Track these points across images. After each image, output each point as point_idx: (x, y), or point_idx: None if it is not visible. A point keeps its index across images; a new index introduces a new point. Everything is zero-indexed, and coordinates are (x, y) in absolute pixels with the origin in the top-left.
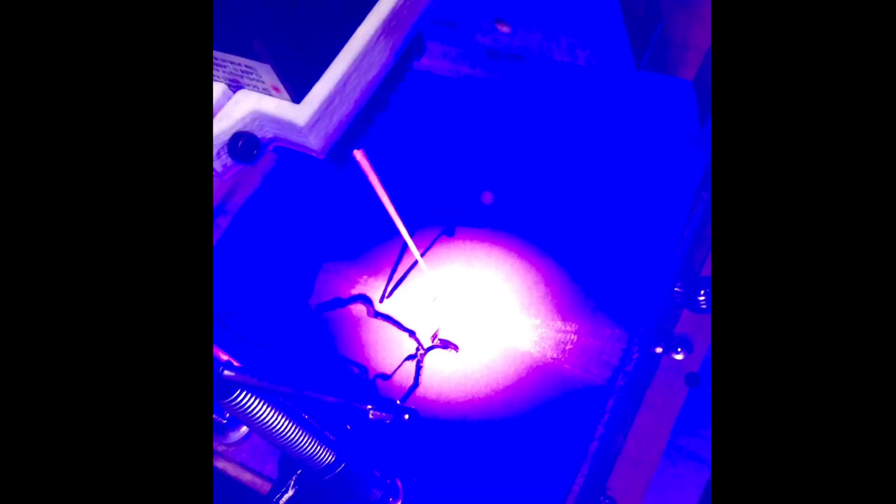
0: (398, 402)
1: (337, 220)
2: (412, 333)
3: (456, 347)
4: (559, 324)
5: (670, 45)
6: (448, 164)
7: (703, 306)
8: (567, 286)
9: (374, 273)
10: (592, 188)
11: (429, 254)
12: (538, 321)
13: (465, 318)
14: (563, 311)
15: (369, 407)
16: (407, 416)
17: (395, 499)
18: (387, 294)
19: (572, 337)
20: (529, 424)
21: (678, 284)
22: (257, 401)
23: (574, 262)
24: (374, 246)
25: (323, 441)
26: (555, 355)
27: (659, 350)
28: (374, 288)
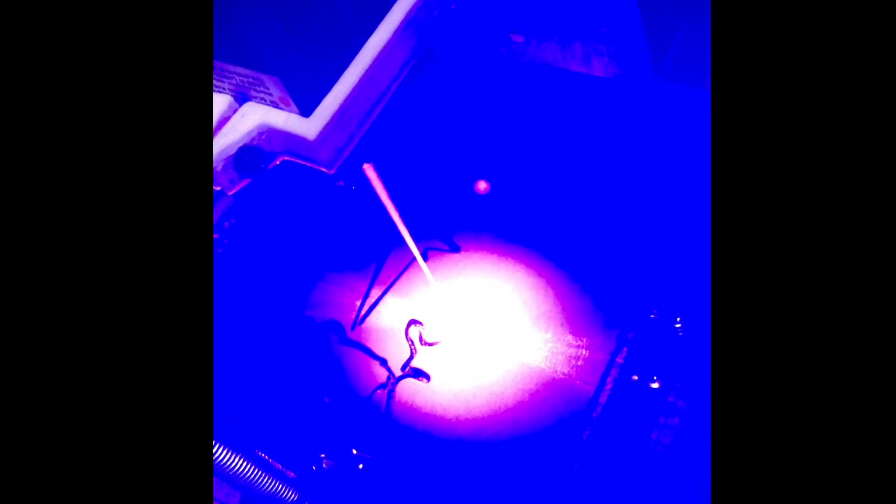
0: (353, 451)
1: (339, 230)
2: (383, 362)
3: (427, 377)
4: (570, 338)
5: (689, 54)
6: (458, 174)
7: (680, 334)
8: (577, 299)
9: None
10: (605, 201)
11: (436, 265)
12: (549, 335)
13: (472, 331)
14: (574, 324)
15: (322, 456)
16: (361, 466)
17: None
18: (359, 321)
19: (584, 352)
20: (535, 446)
21: (654, 311)
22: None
23: (584, 274)
24: (376, 258)
25: (282, 480)
26: (566, 371)
27: (635, 378)
28: (380, 302)
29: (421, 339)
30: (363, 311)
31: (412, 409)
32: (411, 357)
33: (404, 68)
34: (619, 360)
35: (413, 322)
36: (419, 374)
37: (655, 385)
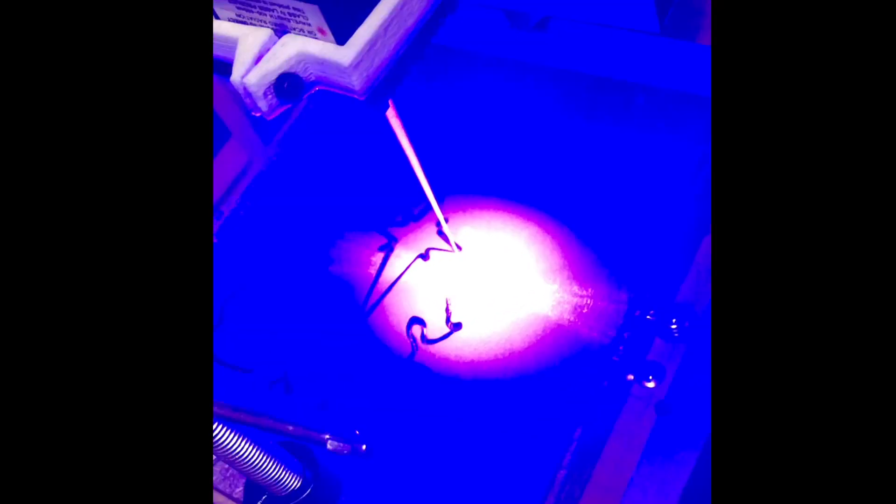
0: (357, 431)
1: (360, 185)
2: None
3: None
4: (576, 288)
5: (689, 10)
6: (469, 133)
7: (676, 335)
8: (583, 253)
9: (402, 246)
10: (612, 158)
11: (452, 221)
12: (556, 286)
13: (486, 284)
14: (580, 276)
15: (327, 437)
16: (364, 447)
17: None
18: (367, 307)
19: (588, 301)
20: (543, 385)
21: (650, 312)
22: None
23: (590, 229)
24: (400, 212)
25: (287, 466)
26: (571, 318)
27: (630, 377)
28: (399, 260)
29: (423, 336)
30: (372, 298)
31: (428, 356)
32: (413, 354)
33: (431, 7)
34: (615, 358)
35: (415, 320)
36: (423, 368)
37: (651, 384)
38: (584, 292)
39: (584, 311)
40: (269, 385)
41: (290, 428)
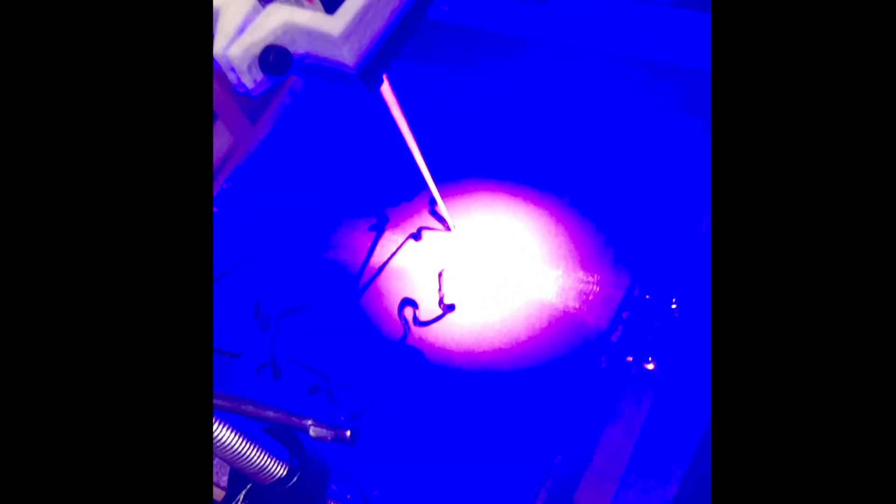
0: (342, 417)
1: (354, 165)
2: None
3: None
4: (581, 274)
5: None
6: (468, 112)
7: (676, 315)
8: (588, 237)
9: (394, 227)
10: (617, 138)
11: (449, 203)
12: (559, 272)
13: (486, 269)
14: (585, 262)
15: (309, 423)
16: (349, 434)
17: None
18: (360, 287)
19: (594, 288)
20: (547, 376)
21: (649, 293)
22: None
23: (594, 212)
24: (397, 194)
25: (272, 453)
26: (576, 306)
27: (629, 359)
28: (391, 241)
29: (416, 319)
30: (364, 279)
31: (424, 344)
32: (405, 337)
33: None
34: (613, 338)
35: (407, 302)
36: (413, 352)
37: (651, 366)
38: (590, 278)
39: (590, 297)
40: (257, 370)
41: (271, 414)
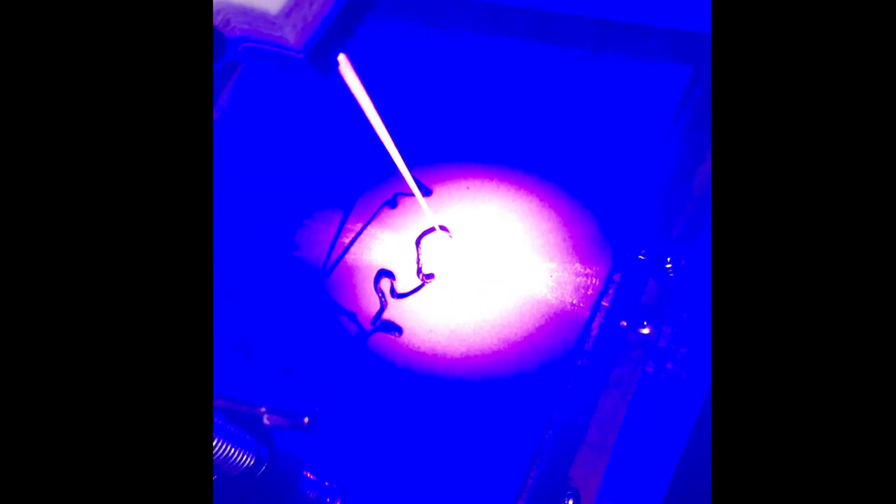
0: (305, 420)
1: (321, 154)
2: (352, 316)
3: (400, 331)
4: (577, 266)
5: None
6: (442, 90)
7: (671, 275)
8: (582, 223)
9: (362, 219)
10: (605, 120)
11: (432, 192)
12: (554, 264)
13: (472, 261)
14: (581, 252)
15: (263, 410)
16: (307, 420)
17: (334, 500)
18: (328, 267)
19: (594, 281)
20: (537, 353)
21: (643, 251)
22: None
23: (586, 194)
24: (364, 186)
25: (236, 443)
26: (574, 302)
27: (623, 324)
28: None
29: (393, 291)
30: (334, 255)
31: (407, 350)
32: (382, 310)
33: None
34: (605, 302)
35: (383, 273)
36: (391, 328)
37: (646, 331)
38: (587, 270)
39: (580, 281)
40: (231, 348)
41: (220, 402)
